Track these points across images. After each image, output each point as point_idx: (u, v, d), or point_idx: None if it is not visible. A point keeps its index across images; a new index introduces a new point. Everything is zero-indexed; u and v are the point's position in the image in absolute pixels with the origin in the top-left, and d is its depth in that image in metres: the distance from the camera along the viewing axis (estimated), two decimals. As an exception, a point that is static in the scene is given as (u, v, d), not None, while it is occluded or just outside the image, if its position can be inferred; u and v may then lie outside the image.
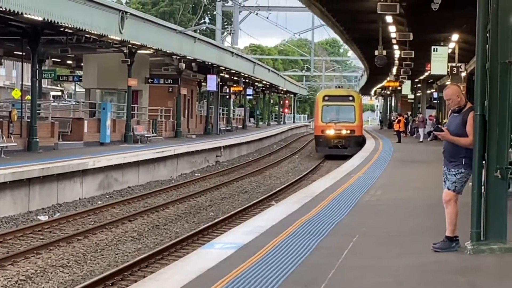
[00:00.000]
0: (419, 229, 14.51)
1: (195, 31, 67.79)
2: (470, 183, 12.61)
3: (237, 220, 27.04)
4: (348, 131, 67.70)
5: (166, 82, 66.46)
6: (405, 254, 12.56)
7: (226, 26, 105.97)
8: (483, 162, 12.29)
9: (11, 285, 17.91)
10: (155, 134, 59.38)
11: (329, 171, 42.56)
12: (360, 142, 67.54)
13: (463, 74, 47.79)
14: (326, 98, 71.37)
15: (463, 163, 12.48)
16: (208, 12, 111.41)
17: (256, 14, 79.31)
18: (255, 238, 14.00)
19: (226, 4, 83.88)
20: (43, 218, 27.98)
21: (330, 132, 68.21)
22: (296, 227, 15.09)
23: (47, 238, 23.77)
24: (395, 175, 28.77)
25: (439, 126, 15.16)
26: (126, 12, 47.00)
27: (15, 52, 50.12)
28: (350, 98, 71.36)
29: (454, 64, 44.75)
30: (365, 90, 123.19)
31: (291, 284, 10.19)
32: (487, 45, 12.57)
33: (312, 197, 20.05)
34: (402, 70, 70.15)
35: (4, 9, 30.44)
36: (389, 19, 36.58)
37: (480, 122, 12.23)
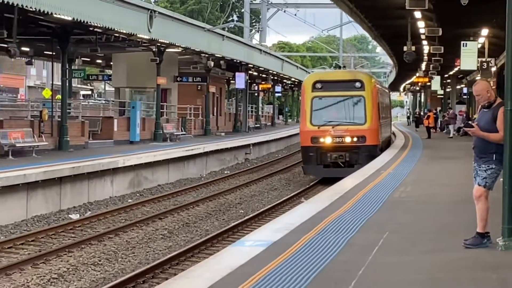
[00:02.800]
0: (449, 226, 14.37)
1: (223, 29, 67.83)
2: (501, 179, 12.58)
3: (267, 217, 27.05)
4: (355, 139, 38.74)
5: (194, 80, 66.14)
6: (436, 250, 12.45)
7: (254, 24, 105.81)
8: None
9: (44, 283, 17.95)
10: (184, 132, 59.41)
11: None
12: (374, 156, 38.53)
13: (493, 69, 47.44)
14: (319, 85, 40.47)
15: (494, 158, 12.38)
16: (236, 10, 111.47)
17: (284, 11, 78.94)
18: (285, 236, 13.93)
19: (254, 2, 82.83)
20: (75, 216, 28.09)
21: (326, 141, 38.56)
22: (326, 224, 15.02)
23: (79, 237, 23.86)
24: (425, 172, 28.58)
25: (469, 122, 15.08)
26: (155, 11, 47.13)
27: (45, 52, 50.30)
28: (357, 84, 40.48)
29: (484, 59, 44.46)
30: (394, 86, 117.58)
31: (322, 281, 10.14)
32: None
33: (342, 194, 19.94)
34: (431, 65, 65.09)
35: (34, 10, 30.58)
36: (417, 14, 36.51)
37: (510, 118, 12.04)
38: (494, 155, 12.41)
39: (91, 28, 38.63)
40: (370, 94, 33.42)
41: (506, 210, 12.27)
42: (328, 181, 30.30)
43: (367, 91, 33.46)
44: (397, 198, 19.68)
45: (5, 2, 28.09)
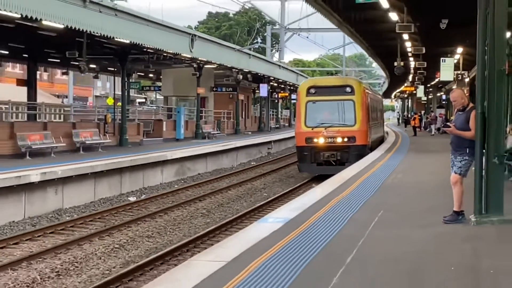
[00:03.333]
0: (432, 206, 14.39)
1: (250, 49, 67.69)
2: (473, 168, 12.62)
3: (285, 199, 26.93)
4: (346, 139, 35.18)
5: (227, 90, 66.84)
6: (420, 226, 12.49)
7: (274, 45, 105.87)
8: (484, 150, 12.27)
9: (108, 251, 18.20)
10: (219, 132, 59.59)
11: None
12: (363, 155, 34.99)
13: (467, 80, 47.13)
14: (312, 90, 37.35)
15: (467, 151, 12.46)
16: (260, 34, 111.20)
17: (298, 34, 78.90)
18: (299, 214, 14.02)
19: (274, 27, 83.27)
20: (132, 199, 28.24)
21: (319, 141, 35.29)
22: (332, 205, 15.07)
23: (135, 215, 24.03)
24: (412, 163, 28.63)
25: (447, 123, 15.08)
26: (195, 35, 47.34)
27: (108, 68, 50.45)
28: (348, 89, 36.83)
29: (459, 72, 44.22)
30: (386, 94, 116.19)
31: (329, 250, 10.17)
32: (486, 56, 12.50)
33: (344, 181, 20.04)
34: (416, 77, 64.88)
35: (99, 35, 30.78)
36: (405, 36, 36.32)
37: (481, 119, 12.20)
38: (467, 149, 12.49)
39: (144, 49, 38.70)
40: (360, 98, 30.72)
41: (477, 193, 12.45)
42: (325, 176, 28.05)
43: (357, 95, 30.78)
44: (389, 184, 19.77)
45: (77, 29, 28.27)
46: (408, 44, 40.91)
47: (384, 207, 14.38)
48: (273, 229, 12.14)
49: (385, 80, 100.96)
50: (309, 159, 30.89)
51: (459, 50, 42.52)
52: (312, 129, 30.65)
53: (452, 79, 46.63)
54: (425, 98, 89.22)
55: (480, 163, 12.49)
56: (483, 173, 12.46)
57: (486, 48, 12.59)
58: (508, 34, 13.87)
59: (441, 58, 43.23)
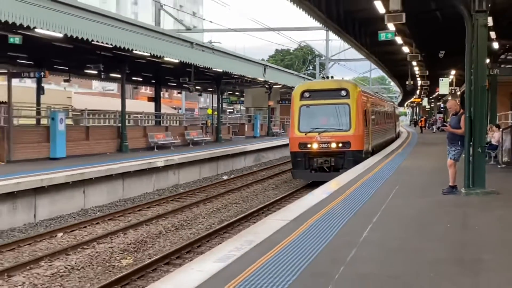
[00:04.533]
0: (434, 182, 14.21)
1: (304, 74, 67.55)
2: (463, 155, 12.52)
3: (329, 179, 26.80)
4: (340, 144, 23.87)
5: (288, 102, 65.79)
6: (425, 196, 12.36)
7: (321, 71, 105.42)
8: (470, 143, 12.24)
9: (209, 213, 18.39)
10: (283, 131, 59.48)
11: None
12: (358, 161, 23.24)
13: (458, 93, 46.00)
14: (306, 94, 25.41)
15: (459, 144, 12.47)
16: (311, 63, 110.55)
17: (338, 63, 78.18)
18: (341, 187, 13.91)
19: (321, 59, 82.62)
20: (225, 177, 28.36)
21: (313, 146, 24.18)
22: (362, 182, 14.93)
23: (227, 188, 24.07)
24: (419, 151, 28.02)
25: (444, 123, 14.90)
26: (267, 65, 48.09)
27: (208, 89, 50.99)
28: (343, 93, 24.82)
29: (453, 88, 43.23)
30: (401, 104, 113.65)
31: (363, 211, 10.18)
32: (471, 76, 12.48)
33: (369, 166, 19.63)
34: (422, 91, 61.29)
35: (203, 66, 31.19)
36: (414, 63, 35.77)
37: (468, 121, 12.20)
38: (459, 142, 12.55)
39: (232, 75, 38.96)
40: (355, 102, 22.40)
41: (466, 172, 12.45)
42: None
43: (352, 99, 22.47)
44: (403, 166, 19.46)
45: (187, 63, 28.70)
46: (416, 69, 40.32)
47: (399, 183, 14.26)
48: (322, 197, 12.17)
49: (400, 94, 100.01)
50: (302, 165, 22.59)
51: (453, 72, 41.61)
52: (306, 134, 22.16)
53: (447, 92, 45.60)
54: (428, 106, 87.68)
55: (468, 151, 12.43)
56: (470, 159, 12.41)
57: (471, 70, 12.62)
58: (487, 61, 13.71)
59: (440, 78, 42.33)
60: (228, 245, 7.80)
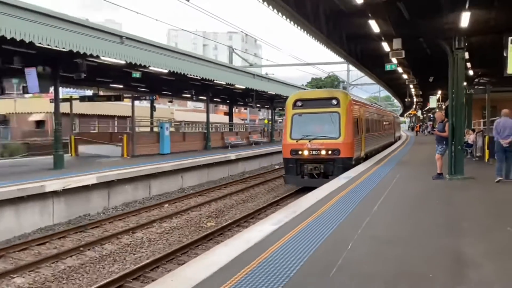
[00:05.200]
0: (424, 171, 13.66)
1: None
2: (447, 152, 12.12)
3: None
4: (330, 152, 16.02)
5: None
6: (420, 181, 11.95)
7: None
8: (453, 142, 11.88)
9: (267, 191, 18.09)
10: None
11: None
12: (347, 168, 15.76)
13: (443, 106, 44.32)
14: (299, 103, 17.39)
15: (444, 143, 12.17)
16: (337, 87, 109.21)
17: (356, 87, 76.59)
18: (355, 176, 13.45)
19: (344, 84, 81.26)
20: (276, 166, 27.95)
21: (303, 153, 16.34)
22: (372, 172, 14.60)
23: (280, 174, 23.80)
24: (415, 148, 27.16)
25: (433, 128, 14.54)
26: (305, 88, 47.06)
27: (265, 106, 50.83)
28: (333, 102, 16.58)
29: (439, 103, 41.67)
30: (401, 115, 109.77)
31: (373, 192, 9.95)
32: (453, 95, 12.05)
33: (376, 160, 18.80)
34: (417, 106, 59.87)
35: (262, 91, 31.03)
36: (411, 86, 34.80)
37: (451, 126, 11.92)
38: (444, 142, 12.25)
39: (282, 97, 38.74)
40: (345, 110, 17.21)
41: (449, 164, 12.15)
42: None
43: (342, 107, 17.20)
44: (403, 160, 18.83)
45: (250, 88, 28.73)
46: (412, 90, 39.18)
47: (399, 174, 13.77)
48: (340, 184, 11.95)
49: (401, 108, 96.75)
50: (294, 171, 17.18)
51: (439, 91, 40.13)
52: (297, 141, 16.79)
53: (435, 106, 44.01)
54: (421, 116, 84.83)
55: (451, 149, 12.06)
56: (453, 154, 12.04)
57: (453, 91, 12.23)
58: (464, 83, 13.22)
59: (430, 96, 40.98)
60: (279, 214, 7.82)
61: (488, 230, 6.37)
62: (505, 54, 10.64)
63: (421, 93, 41.02)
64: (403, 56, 15.36)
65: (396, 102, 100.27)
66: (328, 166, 15.65)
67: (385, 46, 16.98)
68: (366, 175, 13.37)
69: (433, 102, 41.83)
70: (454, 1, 11.36)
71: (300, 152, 15.95)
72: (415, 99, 50.82)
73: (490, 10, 12.83)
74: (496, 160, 11.92)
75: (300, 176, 16.23)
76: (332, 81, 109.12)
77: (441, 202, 8.81)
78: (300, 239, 5.86)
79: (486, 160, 16.23)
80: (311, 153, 15.83)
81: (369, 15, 13.55)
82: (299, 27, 14.45)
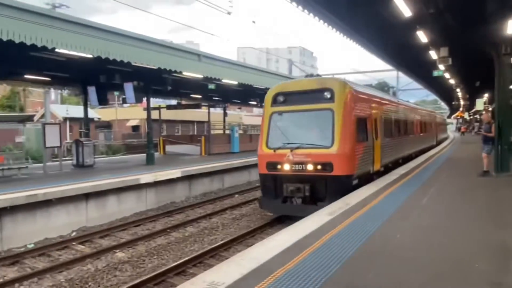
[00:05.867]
0: (470, 169, 12.79)
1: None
2: (493, 151, 11.30)
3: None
4: (319, 167, 8.00)
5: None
6: (464, 177, 11.21)
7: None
8: (499, 142, 11.07)
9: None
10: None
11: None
12: (344, 191, 7.91)
13: (490, 109, 41.13)
14: (280, 98, 8.92)
15: (490, 143, 11.34)
16: (387, 92, 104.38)
17: (404, 91, 72.47)
18: (406, 171, 13.00)
19: (393, 89, 76.30)
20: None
21: (284, 168, 8.39)
22: (422, 168, 13.84)
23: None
24: (460, 148, 25.41)
25: (480, 129, 13.59)
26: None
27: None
28: (326, 94, 8.08)
29: (486, 105, 38.71)
30: (449, 116, 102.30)
31: (423, 187, 9.46)
32: (500, 97, 11.17)
33: (425, 158, 17.85)
34: (464, 108, 55.87)
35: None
36: (458, 90, 32.68)
37: (497, 126, 11.16)
38: (490, 141, 11.32)
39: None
40: (342, 106, 8.14)
41: (497, 162, 11.41)
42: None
43: (338, 103, 8.16)
44: (450, 157, 17.72)
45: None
46: (459, 94, 36.71)
47: (447, 170, 12.97)
48: (389, 181, 11.43)
49: (448, 110, 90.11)
50: (271, 193, 9.61)
51: (486, 95, 37.27)
52: (275, 151, 9.23)
53: (482, 108, 40.92)
54: (468, 118, 78.82)
55: (497, 148, 11.27)
56: (499, 153, 11.27)
57: (500, 94, 11.34)
58: (511, 87, 12.23)
59: (477, 100, 38.18)
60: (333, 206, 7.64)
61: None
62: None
63: (467, 96, 38.29)
64: (450, 63, 14.50)
65: (443, 105, 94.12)
66: (318, 187, 9.02)
67: (433, 54, 16.10)
68: (418, 170, 12.60)
69: (479, 104, 38.83)
70: (500, 9, 10.55)
71: (279, 166, 9.38)
72: (462, 102, 47.57)
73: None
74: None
75: (281, 200, 9.47)
76: (382, 87, 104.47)
77: (488, 195, 8.30)
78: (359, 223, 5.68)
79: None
80: (293, 168, 9.21)
81: (417, 26, 12.93)
82: (354, 42, 14.11)
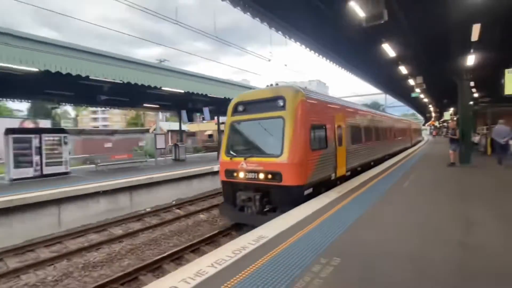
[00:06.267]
0: (440, 162, 11.95)
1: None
2: (457, 149, 10.49)
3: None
4: (270, 176, 4.61)
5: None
6: (436, 168, 10.47)
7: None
8: (463, 142, 10.34)
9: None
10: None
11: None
12: (294, 202, 4.57)
13: (455, 118, 38.11)
14: (240, 108, 5.23)
15: (455, 143, 10.54)
16: (378, 110, 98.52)
17: (390, 108, 68.36)
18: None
19: (382, 107, 71.38)
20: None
21: (238, 175, 4.94)
22: (404, 161, 13.03)
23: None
24: (432, 147, 23.57)
25: (447, 133, 12.61)
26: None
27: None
28: (279, 102, 4.62)
29: (452, 116, 35.95)
30: (424, 124, 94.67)
31: (404, 174, 8.96)
32: (462, 111, 10.38)
33: (405, 155, 16.51)
34: (435, 118, 52.06)
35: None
36: (430, 106, 30.51)
37: (461, 132, 10.39)
38: (455, 142, 10.73)
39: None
40: (294, 114, 4.53)
41: (462, 156, 10.56)
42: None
43: (289, 110, 4.55)
44: (425, 154, 16.53)
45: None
46: (431, 108, 34.43)
47: (423, 163, 12.16)
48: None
49: (423, 120, 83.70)
50: (229, 200, 5.88)
51: (451, 108, 34.59)
52: (231, 159, 5.64)
53: (449, 118, 37.99)
54: (438, 125, 73.14)
55: (461, 146, 10.47)
56: (463, 150, 10.45)
57: (462, 108, 10.57)
58: (471, 102, 11.38)
59: (444, 112, 35.50)
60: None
61: (489, 198, 5.49)
62: (502, 81, 8.97)
63: (438, 110, 35.71)
64: (424, 87, 13.77)
65: (419, 116, 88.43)
66: (271, 197, 6.19)
67: (411, 81, 15.36)
68: (401, 161, 11.94)
69: (446, 115, 36.10)
70: (461, 48, 9.91)
71: (235, 174, 6.60)
72: (433, 114, 44.47)
73: (489, 51, 10.89)
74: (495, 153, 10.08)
75: (238, 208, 6.59)
76: (375, 105, 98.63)
77: (455, 180, 7.82)
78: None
79: (488, 154, 13.67)
80: (247, 176, 6.45)
81: (399, 62, 12.41)
82: (353, 75, 13.80)
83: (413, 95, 17.63)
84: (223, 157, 6.49)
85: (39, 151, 9.30)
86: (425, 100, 25.63)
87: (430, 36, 9.50)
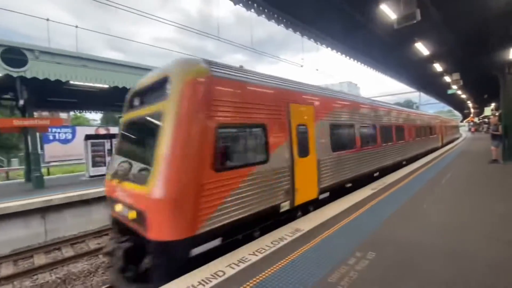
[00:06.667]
0: (481, 158, 11.29)
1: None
2: (500, 146, 9.92)
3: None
4: (136, 216, 1.90)
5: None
6: (476, 164, 9.90)
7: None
8: (505, 139, 9.72)
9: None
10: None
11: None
12: (171, 265, 1.95)
13: (497, 114, 35.01)
14: (136, 102, 2.45)
15: (498, 139, 9.97)
16: (411, 108, 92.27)
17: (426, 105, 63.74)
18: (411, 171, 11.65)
19: (416, 104, 66.70)
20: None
21: (115, 207, 2.25)
22: (445, 155, 12.44)
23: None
24: (472, 143, 21.87)
25: (489, 129, 11.93)
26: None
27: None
28: (166, 88, 1.86)
29: (493, 111, 33.00)
30: (461, 121, 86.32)
31: (444, 168, 8.67)
32: (504, 106, 9.80)
33: (442, 151, 15.89)
34: (474, 114, 48.27)
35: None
36: (469, 102, 28.38)
37: (504, 127, 9.84)
38: (498, 138, 10.11)
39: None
40: (176, 106, 1.79)
41: (504, 153, 9.96)
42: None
43: (172, 99, 1.85)
44: (463, 150, 15.45)
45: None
46: (470, 104, 31.92)
47: (463, 159, 11.50)
48: (418, 164, 10.49)
49: (461, 117, 77.07)
50: (116, 233, 2.76)
51: (492, 104, 31.84)
52: (110, 179, 2.62)
53: (490, 114, 34.93)
54: (478, 122, 67.08)
55: (504, 143, 9.87)
56: (505, 146, 9.84)
57: (505, 102, 9.93)
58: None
59: (485, 107, 32.77)
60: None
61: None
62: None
63: (477, 105, 33.03)
64: (462, 83, 13.09)
65: (456, 112, 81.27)
66: (134, 249, 3.21)
67: (447, 78, 14.67)
68: (443, 155, 11.20)
69: (487, 111, 33.26)
70: (502, 41, 9.38)
71: (114, 206, 3.65)
72: (472, 110, 41.15)
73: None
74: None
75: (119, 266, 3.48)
76: (408, 104, 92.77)
77: (497, 178, 7.43)
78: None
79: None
80: (122, 212, 3.40)
81: (434, 60, 12.00)
82: (387, 75, 13.58)
83: (450, 92, 16.71)
84: (107, 176, 3.88)
85: (110, 153, 10.10)
86: (463, 96, 23.98)
87: (467, 30, 9.13)
